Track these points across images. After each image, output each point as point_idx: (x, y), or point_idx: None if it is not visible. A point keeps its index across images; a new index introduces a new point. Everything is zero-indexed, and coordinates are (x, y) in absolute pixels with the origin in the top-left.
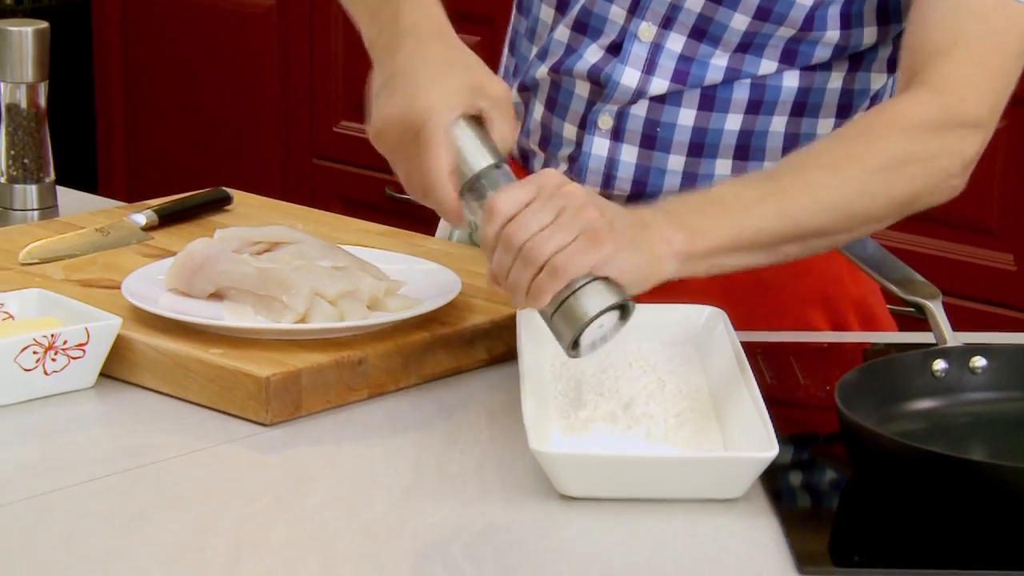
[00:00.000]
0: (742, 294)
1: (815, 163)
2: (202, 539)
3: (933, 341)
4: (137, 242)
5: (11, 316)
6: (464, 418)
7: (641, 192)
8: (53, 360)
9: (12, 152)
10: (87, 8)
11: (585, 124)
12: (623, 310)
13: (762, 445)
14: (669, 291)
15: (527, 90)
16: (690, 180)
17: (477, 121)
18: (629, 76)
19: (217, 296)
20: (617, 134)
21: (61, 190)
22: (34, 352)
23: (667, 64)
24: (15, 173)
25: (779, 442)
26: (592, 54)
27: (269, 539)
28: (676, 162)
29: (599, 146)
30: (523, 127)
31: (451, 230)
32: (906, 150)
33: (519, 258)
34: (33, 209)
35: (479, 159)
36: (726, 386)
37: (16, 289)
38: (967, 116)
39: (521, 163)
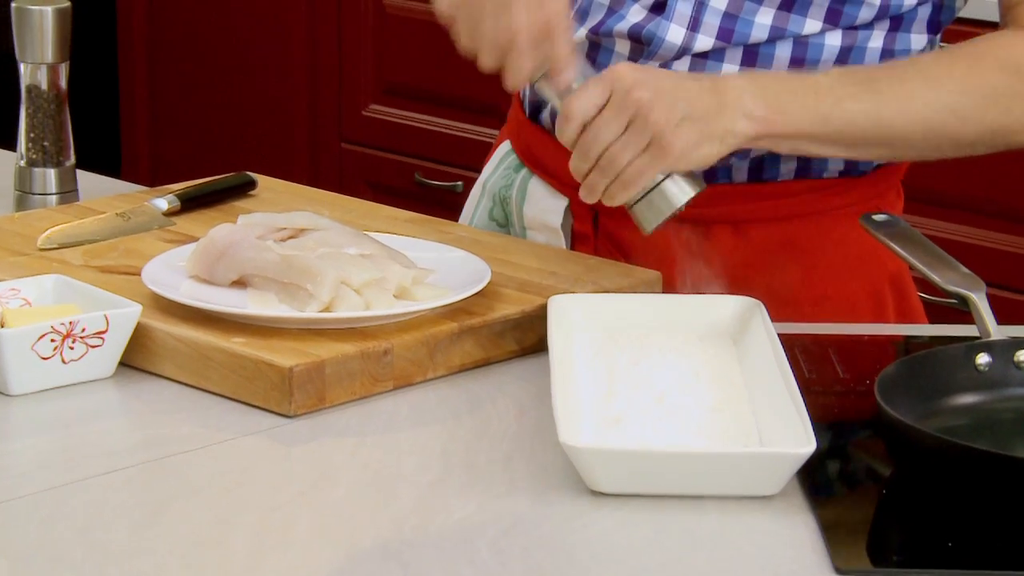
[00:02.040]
0: (774, 258)
1: (916, 73)
2: (223, 533)
3: (976, 334)
4: (158, 227)
5: (28, 303)
6: (492, 411)
7: None
8: (71, 348)
9: (32, 135)
10: None
11: None
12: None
13: (799, 440)
14: (704, 255)
15: None
16: None
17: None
18: (675, 33)
19: (240, 284)
20: None
21: (81, 174)
22: (52, 340)
23: (712, 21)
24: (35, 156)
25: (817, 437)
26: (635, 14)
27: (292, 533)
28: None
29: None
30: None
31: (473, 214)
32: (1004, 82)
33: (596, 167)
34: (53, 193)
35: None
36: (762, 379)
37: (34, 275)
38: None
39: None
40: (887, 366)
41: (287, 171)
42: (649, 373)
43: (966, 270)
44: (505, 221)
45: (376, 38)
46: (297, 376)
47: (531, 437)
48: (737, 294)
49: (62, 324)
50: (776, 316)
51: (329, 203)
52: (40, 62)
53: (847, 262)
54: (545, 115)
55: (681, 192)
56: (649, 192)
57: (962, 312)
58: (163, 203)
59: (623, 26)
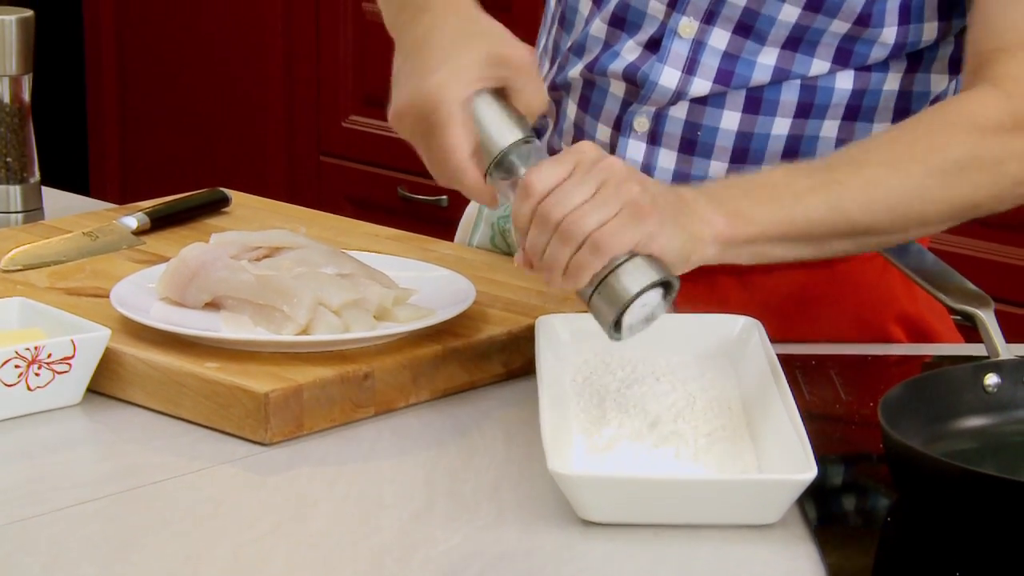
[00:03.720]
0: (780, 308)
1: (874, 158)
2: (196, 567)
3: (984, 353)
4: (128, 247)
5: None
6: (478, 437)
7: None
8: (37, 375)
9: None
10: None
11: (620, 126)
12: (667, 287)
13: (799, 466)
14: (707, 306)
15: (558, 89)
16: None
17: (501, 94)
18: (668, 76)
19: (213, 306)
20: (654, 137)
21: (47, 191)
22: (16, 366)
23: (710, 63)
24: None
25: (818, 463)
26: (629, 51)
27: (268, 567)
28: (718, 169)
29: (634, 149)
30: (556, 127)
31: (470, 235)
32: (970, 153)
33: (557, 234)
34: (16, 212)
35: (505, 135)
36: (761, 402)
37: None
38: None
39: None
40: (891, 388)
41: (263, 186)
42: (642, 397)
43: (973, 286)
44: (508, 250)
45: (356, 46)
46: (273, 402)
47: (519, 464)
48: None
49: (27, 350)
50: None
51: (307, 220)
52: (2, 74)
53: (857, 310)
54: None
55: (645, 275)
56: (608, 276)
57: (970, 330)
58: (132, 221)
59: (618, 65)
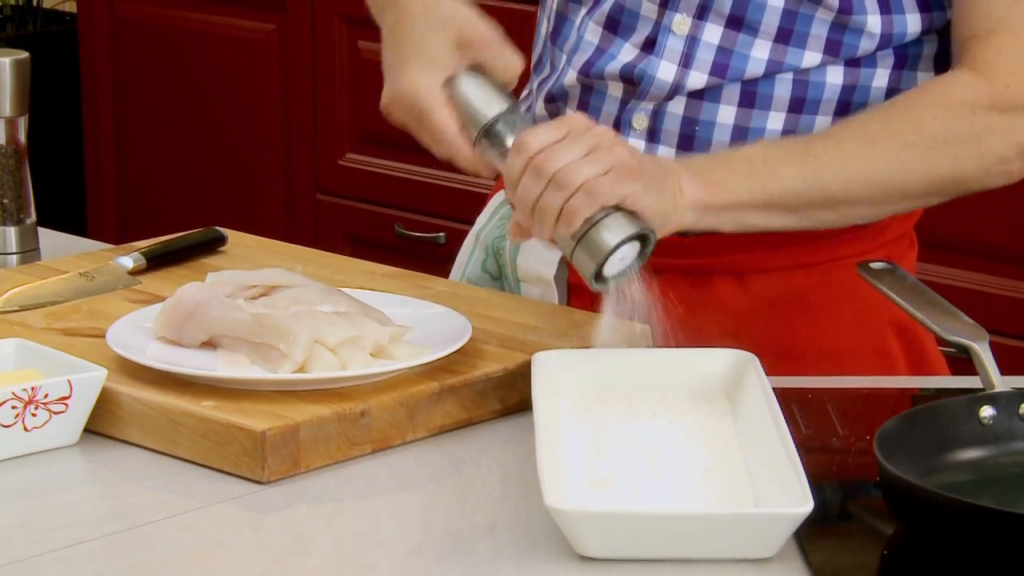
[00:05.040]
0: (777, 310)
1: (851, 133)
2: None
3: (980, 386)
4: (124, 287)
5: None
6: (475, 474)
7: None
8: (34, 415)
9: None
10: (74, 36)
11: (619, 125)
12: (644, 241)
13: (796, 500)
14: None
15: (555, 101)
16: None
17: (477, 69)
18: (665, 70)
19: (209, 345)
20: (653, 135)
21: (43, 232)
22: (13, 407)
23: (705, 57)
24: None
25: (814, 496)
26: (625, 53)
27: None
28: None
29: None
30: None
31: (464, 269)
32: (947, 128)
33: (552, 183)
34: (13, 253)
35: (489, 107)
36: (757, 436)
37: None
38: (1014, 100)
39: None
40: (887, 421)
41: (260, 225)
42: (639, 432)
43: (968, 319)
44: (499, 273)
45: (352, 83)
46: (270, 440)
47: (516, 501)
48: (740, 346)
49: (24, 390)
50: (779, 370)
51: (302, 258)
52: None
53: (854, 315)
54: None
55: (624, 228)
56: (590, 229)
57: (965, 362)
58: (128, 261)
59: (614, 67)
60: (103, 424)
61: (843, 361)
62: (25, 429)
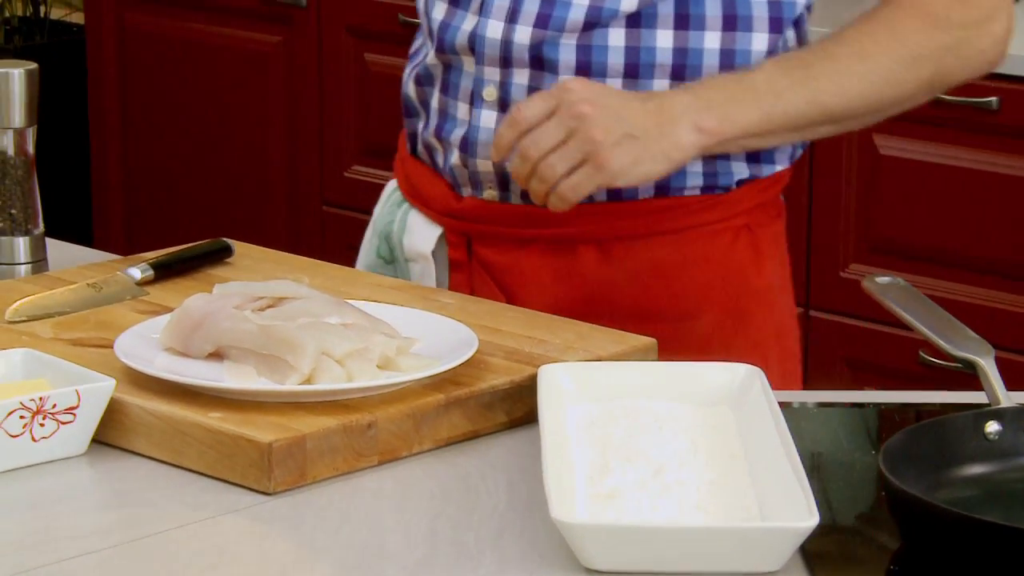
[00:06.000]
0: (638, 277)
1: (845, 50)
2: None
3: (985, 401)
4: (131, 298)
5: None
6: (481, 486)
7: None
8: (42, 425)
9: None
10: (82, 48)
11: (473, 99)
12: None
13: (801, 514)
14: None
15: (421, 85)
16: None
17: None
18: (493, 28)
19: (216, 356)
20: (504, 106)
21: (51, 243)
22: (21, 417)
23: (530, 9)
24: (2, 225)
25: (820, 510)
26: (468, 23)
27: None
28: None
29: (487, 119)
30: (425, 121)
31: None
32: (929, 40)
33: (536, 176)
34: (21, 263)
35: None
36: (763, 450)
37: (2, 349)
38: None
39: (428, 159)
40: (892, 435)
41: (267, 236)
42: (645, 446)
43: (973, 334)
44: (391, 257)
45: (358, 96)
46: (277, 452)
47: (522, 513)
48: (601, 311)
49: (32, 400)
50: (640, 331)
51: (309, 270)
52: (7, 127)
53: (711, 281)
54: (420, 148)
55: None
56: None
57: (971, 377)
58: (136, 272)
59: (461, 39)
60: (111, 434)
61: (704, 326)
62: (33, 439)
